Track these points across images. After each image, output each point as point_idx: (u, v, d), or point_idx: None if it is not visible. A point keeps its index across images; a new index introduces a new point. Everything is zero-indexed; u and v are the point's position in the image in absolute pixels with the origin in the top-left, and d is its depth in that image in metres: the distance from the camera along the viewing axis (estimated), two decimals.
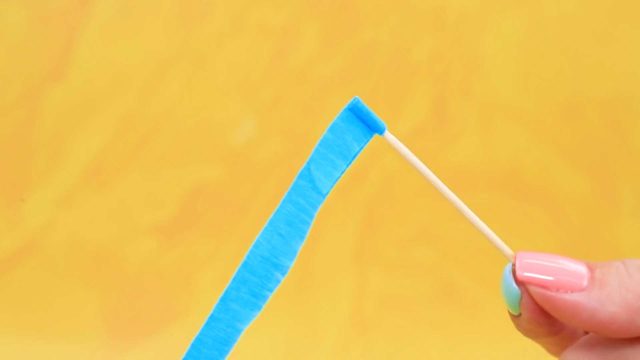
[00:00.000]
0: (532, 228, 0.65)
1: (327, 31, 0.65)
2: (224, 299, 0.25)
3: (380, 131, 0.27)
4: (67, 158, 0.64)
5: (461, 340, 0.62)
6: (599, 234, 0.65)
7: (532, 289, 0.25)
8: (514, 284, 0.26)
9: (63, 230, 0.64)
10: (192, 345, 0.25)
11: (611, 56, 0.65)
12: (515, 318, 0.26)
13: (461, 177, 0.65)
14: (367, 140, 0.27)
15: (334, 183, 0.27)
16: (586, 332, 0.27)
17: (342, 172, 0.27)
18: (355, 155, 0.27)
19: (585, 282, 0.25)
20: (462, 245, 0.65)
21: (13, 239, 0.63)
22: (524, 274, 0.26)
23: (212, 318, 0.25)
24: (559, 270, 0.25)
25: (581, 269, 0.25)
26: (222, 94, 0.65)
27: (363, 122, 0.27)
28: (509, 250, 0.28)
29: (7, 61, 0.64)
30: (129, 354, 0.61)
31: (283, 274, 0.26)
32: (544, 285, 0.25)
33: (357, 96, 0.27)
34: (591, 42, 0.65)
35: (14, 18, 0.63)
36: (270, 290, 0.26)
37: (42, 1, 0.63)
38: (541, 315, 0.26)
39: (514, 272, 0.26)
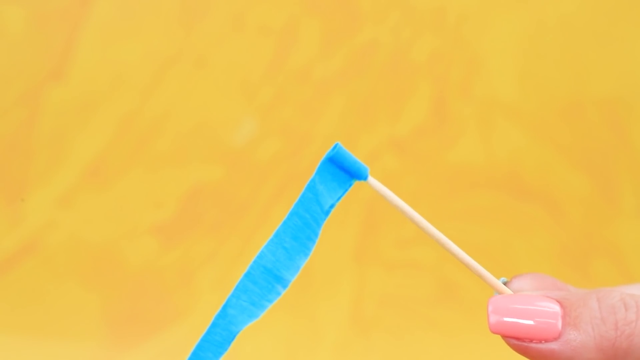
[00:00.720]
0: (532, 228, 0.65)
1: (327, 31, 0.65)
2: (224, 307, 0.25)
3: (363, 177, 0.26)
4: (67, 158, 0.64)
5: (461, 340, 0.62)
6: (599, 234, 0.65)
7: (507, 340, 0.26)
8: None
9: (63, 230, 0.64)
10: (192, 353, 0.25)
11: (611, 56, 0.65)
12: None
13: (461, 177, 0.65)
14: (348, 188, 0.27)
15: (336, 201, 0.26)
16: None
17: (339, 199, 0.26)
18: (338, 200, 0.26)
19: (559, 325, 0.25)
20: (462, 245, 0.65)
21: (13, 239, 0.63)
22: (500, 320, 0.26)
23: (212, 325, 0.25)
24: (533, 313, 0.25)
25: (555, 309, 0.25)
26: (222, 94, 0.65)
27: (343, 169, 0.26)
28: (506, 289, 0.27)
29: (7, 61, 0.64)
30: (129, 354, 0.61)
31: (284, 287, 0.26)
32: (517, 337, 0.26)
33: (338, 142, 0.26)
34: (591, 42, 0.65)
35: (14, 18, 0.63)
36: (270, 301, 0.26)
37: (42, 1, 0.63)
38: None
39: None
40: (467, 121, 0.65)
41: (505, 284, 0.28)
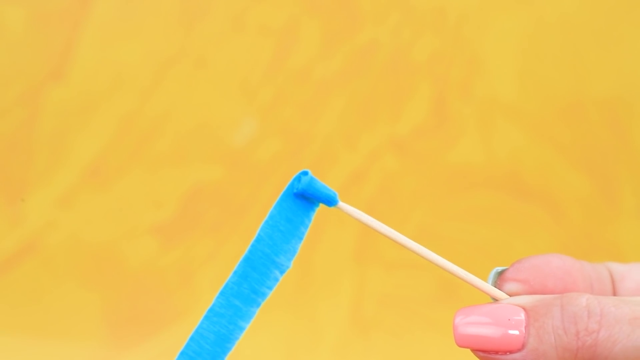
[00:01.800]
0: (532, 228, 0.65)
1: (327, 31, 0.65)
2: (224, 294, 0.25)
3: (334, 203, 0.27)
4: (67, 158, 0.64)
5: None
6: (599, 234, 0.65)
7: (475, 352, 0.26)
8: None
9: (63, 230, 0.64)
10: (192, 338, 0.24)
11: (611, 56, 0.65)
12: None
13: (461, 177, 0.65)
14: (314, 211, 0.27)
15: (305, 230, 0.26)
16: None
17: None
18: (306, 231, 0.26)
19: (524, 335, 0.25)
20: (462, 245, 0.65)
21: (13, 239, 0.63)
22: (464, 333, 0.26)
23: (213, 312, 0.25)
24: (497, 325, 0.25)
25: (520, 318, 0.25)
26: (222, 94, 0.65)
27: (312, 197, 0.26)
28: (498, 292, 0.27)
29: (7, 61, 0.64)
30: (129, 354, 0.61)
31: (281, 272, 0.26)
32: (482, 350, 0.25)
33: (307, 169, 0.26)
34: (591, 42, 0.65)
35: (14, 18, 0.63)
36: (270, 288, 0.25)
37: (42, 1, 0.63)
38: None
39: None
40: (467, 121, 0.65)
41: (501, 272, 0.28)
